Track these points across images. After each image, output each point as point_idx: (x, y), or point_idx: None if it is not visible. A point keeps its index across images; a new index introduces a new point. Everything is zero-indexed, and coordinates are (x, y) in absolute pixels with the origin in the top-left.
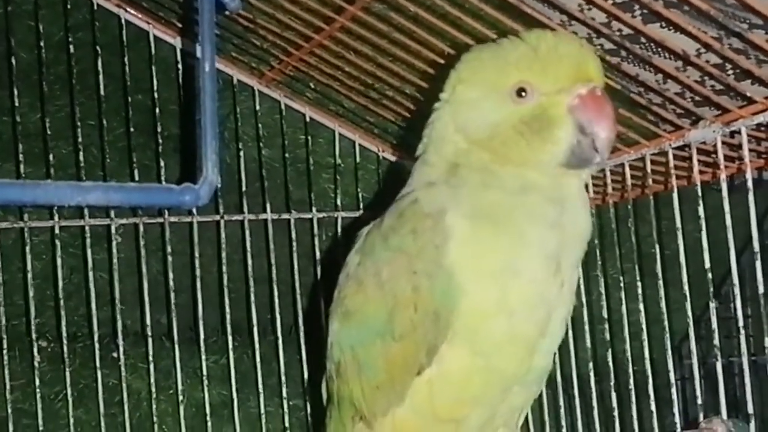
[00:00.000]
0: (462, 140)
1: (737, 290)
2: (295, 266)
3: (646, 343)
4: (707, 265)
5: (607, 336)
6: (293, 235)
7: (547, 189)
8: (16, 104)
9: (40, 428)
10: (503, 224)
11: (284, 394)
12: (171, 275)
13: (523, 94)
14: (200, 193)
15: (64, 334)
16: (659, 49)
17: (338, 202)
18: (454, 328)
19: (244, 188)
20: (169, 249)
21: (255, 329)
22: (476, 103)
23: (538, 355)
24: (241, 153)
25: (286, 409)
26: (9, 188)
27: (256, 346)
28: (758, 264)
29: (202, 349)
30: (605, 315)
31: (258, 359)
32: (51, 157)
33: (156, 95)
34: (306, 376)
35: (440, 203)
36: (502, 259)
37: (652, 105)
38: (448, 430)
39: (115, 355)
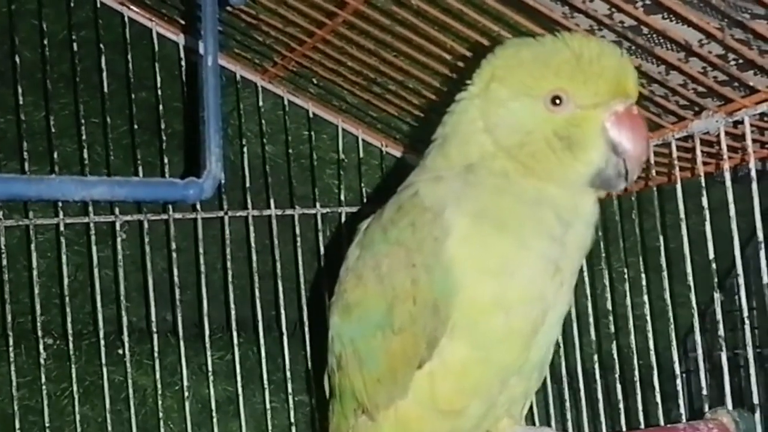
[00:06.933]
0: (490, 143)
1: (741, 280)
2: (300, 262)
3: (651, 336)
4: (711, 256)
5: (612, 329)
6: (297, 231)
7: (561, 206)
8: (21, 102)
9: (47, 425)
10: (506, 227)
11: (290, 390)
12: (176, 272)
13: (558, 102)
14: (204, 186)
15: (70, 332)
16: (662, 40)
17: (342, 198)
18: (453, 320)
19: (247, 184)
20: (173, 246)
21: (260, 325)
22: (509, 105)
23: (534, 349)
24: (245, 149)
25: (291, 405)
26: (14, 183)
27: (261, 341)
28: (762, 255)
29: (208, 345)
30: (610, 308)
31: (263, 355)
32: (56, 155)
33: (159, 93)
34: (311, 371)
35: (442, 199)
36: (500, 258)
37: (654, 96)
38: (449, 422)
39: (120, 351)
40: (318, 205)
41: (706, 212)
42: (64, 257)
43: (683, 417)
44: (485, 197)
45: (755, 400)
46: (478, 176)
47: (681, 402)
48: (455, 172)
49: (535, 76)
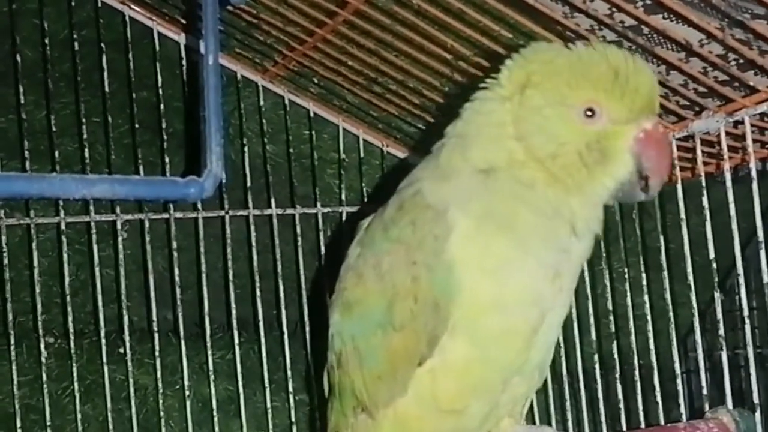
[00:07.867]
0: (521, 151)
1: (742, 280)
2: (300, 261)
3: (651, 336)
4: (712, 256)
5: (613, 329)
6: (298, 230)
7: (578, 219)
8: (22, 102)
9: (48, 423)
10: (510, 232)
11: (290, 389)
12: (177, 271)
13: (591, 113)
14: (205, 185)
15: (71, 331)
16: (662, 40)
17: (343, 197)
18: (454, 318)
19: (248, 184)
20: (174, 245)
21: (261, 324)
22: (543, 113)
23: (534, 349)
24: (246, 149)
25: (292, 404)
26: (15, 181)
27: (262, 341)
28: (763, 255)
29: (208, 344)
30: (611, 308)
31: (264, 354)
32: (57, 154)
33: (160, 92)
34: (312, 370)
35: (445, 198)
36: (499, 260)
37: None
38: (450, 421)
39: (121, 350)
40: (319, 204)
41: (707, 212)
42: (65, 256)
43: (684, 416)
44: (497, 202)
45: (755, 399)
46: (498, 182)
47: (681, 402)
48: (469, 173)
49: (572, 86)
